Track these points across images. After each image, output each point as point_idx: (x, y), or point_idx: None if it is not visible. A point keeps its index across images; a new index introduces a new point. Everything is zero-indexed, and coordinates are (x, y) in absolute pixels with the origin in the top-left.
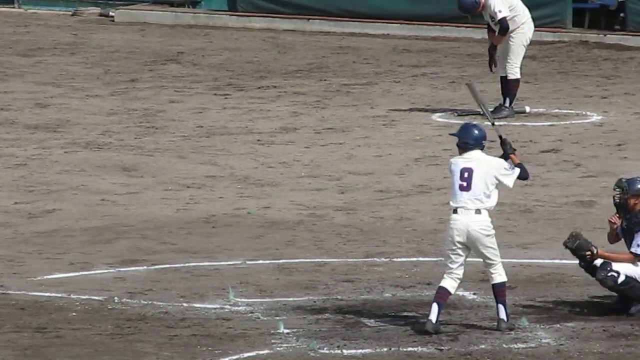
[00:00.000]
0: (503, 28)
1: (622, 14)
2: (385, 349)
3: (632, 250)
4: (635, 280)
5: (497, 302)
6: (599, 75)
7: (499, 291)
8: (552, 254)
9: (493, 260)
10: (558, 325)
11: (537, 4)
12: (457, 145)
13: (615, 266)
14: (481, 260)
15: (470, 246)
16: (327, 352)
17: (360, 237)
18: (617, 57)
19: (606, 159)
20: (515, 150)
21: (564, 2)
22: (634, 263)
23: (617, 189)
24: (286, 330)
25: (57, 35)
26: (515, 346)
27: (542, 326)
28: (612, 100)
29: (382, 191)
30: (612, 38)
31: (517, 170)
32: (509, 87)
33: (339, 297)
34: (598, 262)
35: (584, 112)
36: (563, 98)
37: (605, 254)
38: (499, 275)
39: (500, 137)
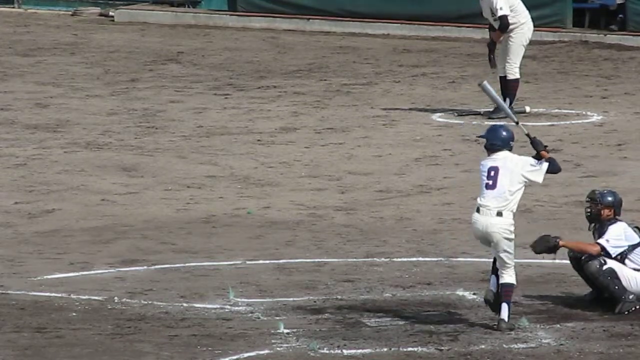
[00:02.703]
0: (503, 25)
1: (620, 15)
2: (385, 349)
3: (599, 241)
4: (616, 275)
5: (501, 302)
6: (599, 75)
7: (505, 291)
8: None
9: (507, 263)
10: (558, 325)
11: (537, 4)
12: (485, 147)
13: (609, 262)
14: (479, 260)
15: (491, 245)
16: (327, 352)
17: (360, 237)
18: (617, 57)
19: (606, 159)
20: (546, 146)
21: (564, 2)
22: (592, 253)
23: (590, 201)
24: (286, 330)
25: (57, 35)
26: (516, 346)
27: (542, 326)
28: (612, 100)
29: (382, 191)
30: (612, 38)
31: (545, 165)
32: (508, 87)
33: (339, 297)
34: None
35: (584, 112)
36: (563, 98)
37: (569, 242)
38: (509, 277)
39: (527, 135)
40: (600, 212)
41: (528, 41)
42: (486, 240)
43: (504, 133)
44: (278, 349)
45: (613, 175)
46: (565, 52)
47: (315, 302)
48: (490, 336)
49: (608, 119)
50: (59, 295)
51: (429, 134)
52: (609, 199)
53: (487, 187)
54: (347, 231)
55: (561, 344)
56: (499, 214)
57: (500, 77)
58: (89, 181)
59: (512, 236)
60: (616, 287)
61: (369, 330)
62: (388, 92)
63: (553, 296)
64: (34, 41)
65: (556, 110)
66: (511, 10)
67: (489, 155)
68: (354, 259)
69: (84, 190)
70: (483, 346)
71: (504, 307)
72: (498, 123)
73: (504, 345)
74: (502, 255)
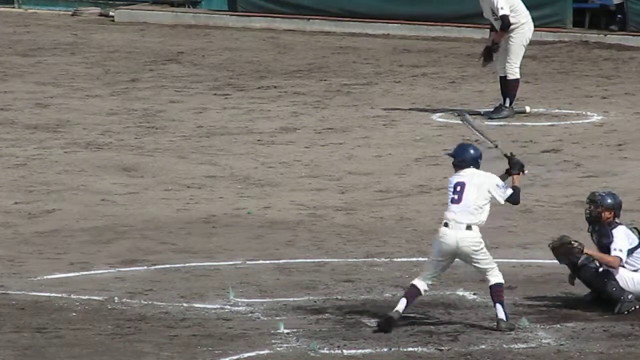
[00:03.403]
0: (504, 24)
1: (619, 15)
2: (385, 349)
3: (616, 254)
4: (613, 277)
5: (495, 303)
6: (599, 75)
7: (495, 292)
8: (552, 254)
9: (486, 267)
10: (558, 326)
11: (537, 4)
12: (453, 164)
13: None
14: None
15: (461, 259)
16: (327, 352)
17: (360, 237)
18: (618, 57)
19: (606, 159)
20: (522, 167)
21: (564, 2)
22: (614, 267)
23: (591, 203)
24: (286, 330)
25: (57, 35)
26: (516, 346)
27: (542, 326)
28: (612, 100)
29: (382, 191)
30: (613, 38)
31: (510, 192)
32: (508, 87)
33: (339, 297)
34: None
35: (584, 112)
36: (563, 98)
37: (591, 251)
38: (495, 277)
39: (506, 155)
40: (601, 214)
41: (528, 41)
42: (453, 254)
43: (472, 151)
44: (278, 349)
45: (613, 175)
46: (565, 52)
47: (315, 302)
48: (490, 336)
49: (608, 119)
50: (59, 295)
51: (429, 134)
52: (610, 201)
53: (453, 201)
54: (347, 231)
55: (561, 344)
56: (469, 227)
57: (500, 77)
58: (89, 181)
59: (482, 246)
60: (614, 289)
61: (369, 330)
62: (388, 92)
63: (553, 296)
64: (34, 41)
65: (556, 110)
66: (511, 10)
67: (456, 172)
68: (354, 259)
69: (84, 190)
70: (483, 346)
71: (499, 307)
72: (466, 142)
73: (504, 345)
74: (479, 264)
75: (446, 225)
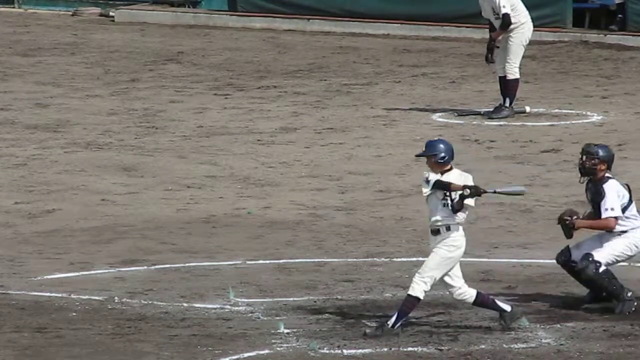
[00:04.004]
0: (505, 23)
1: (620, 15)
2: (385, 349)
3: (609, 214)
4: (613, 276)
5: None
6: (599, 75)
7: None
8: (552, 254)
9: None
10: (558, 325)
11: (537, 4)
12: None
13: (597, 256)
14: (479, 260)
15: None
16: (327, 352)
17: (360, 237)
18: (617, 57)
19: None
20: (466, 197)
21: (564, 2)
22: (610, 228)
23: (586, 155)
24: (286, 330)
25: (57, 35)
26: (516, 346)
27: (542, 326)
28: (612, 100)
29: (382, 191)
30: (612, 38)
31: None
32: (508, 87)
33: (339, 297)
34: (577, 255)
35: (584, 112)
36: (563, 98)
37: (584, 222)
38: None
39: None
40: (596, 166)
41: (528, 41)
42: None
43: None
44: (278, 349)
45: (613, 175)
46: (565, 52)
47: (315, 302)
48: (490, 336)
49: (608, 119)
50: (59, 295)
51: (429, 134)
52: (605, 153)
53: None
54: (347, 231)
55: (561, 344)
56: None
57: (500, 77)
58: (89, 181)
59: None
60: (614, 287)
61: (369, 331)
62: (388, 92)
63: (553, 296)
64: (34, 41)
65: (556, 110)
66: (511, 10)
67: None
68: (354, 259)
69: (84, 190)
70: (483, 346)
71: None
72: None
73: (504, 345)
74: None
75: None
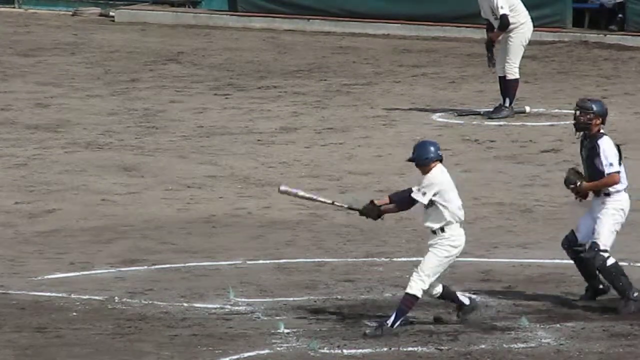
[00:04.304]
0: (503, 24)
1: (620, 15)
2: (385, 349)
3: (610, 170)
4: (622, 272)
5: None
6: (599, 75)
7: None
8: (552, 254)
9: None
10: (558, 325)
11: (537, 4)
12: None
13: (601, 244)
14: (479, 260)
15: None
16: (327, 352)
17: (360, 237)
18: (617, 57)
19: None
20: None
21: (564, 2)
22: (615, 183)
23: (580, 110)
24: (286, 330)
25: (57, 35)
26: (515, 346)
27: (542, 326)
28: (612, 100)
29: (382, 191)
30: (612, 38)
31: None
32: (508, 87)
33: (339, 297)
34: (580, 237)
35: None
36: (563, 98)
37: (589, 185)
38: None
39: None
40: (591, 121)
41: (527, 41)
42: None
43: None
44: (278, 348)
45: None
46: (565, 52)
47: (315, 302)
48: (490, 336)
49: (608, 119)
50: (60, 295)
51: (429, 134)
52: (599, 108)
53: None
54: (347, 231)
55: (561, 344)
56: None
57: (500, 77)
58: (89, 181)
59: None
60: (620, 284)
61: (369, 331)
62: (388, 92)
63: (553, 296)
64: (35, 41)
65: (556, 110)
66: (511, 10)
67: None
68: (354, 259)
69: (85, 190)
70: (483, 346)
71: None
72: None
73: (504, 345)
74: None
75: (460, 225)
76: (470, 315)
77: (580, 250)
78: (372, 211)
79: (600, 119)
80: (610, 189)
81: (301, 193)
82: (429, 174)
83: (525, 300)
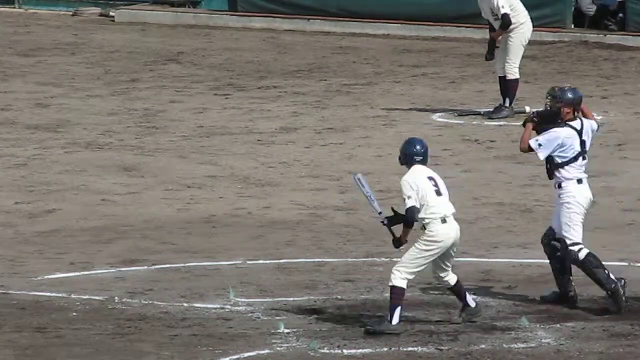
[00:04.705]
0: (505, 23)
1: (620, 15)
2: (385, 349)
3: (531, 141)
4: (600, 264)
5: (464, 297)
6: (599, 75)
7: (462, 288)
8: None
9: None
10: (558, 325)
11: (537, 4)
12: (419, 162)
13: (568, 239)
14: (479, 260)
15: (446, 250)
16: (327, 352)
17: (360, 237)
18: (617, 57)
19: (606, 159)
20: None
21: (564, 2)
22: (524, 145)
23: (552, 98)
24: (286, 330)
25: (57, 35)
26: (516, 346)
27: (542, 326)
28: (612, 100)
29: (382, 191)
30: (612, 38)
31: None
32: (508, 87)
33: (339, 297)
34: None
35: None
36: None
37: (528, 129)
38: (454, 275)
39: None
40: (560, 109)
41: (527, 41)
42: (450, 247)
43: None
44: (278, 348)
45: (613, 175)
46: (565, 52)
47: (315, 302)
48: (490, 336)
49: (608, 119)
50: (60, 295)
51: (429, 134)
52: (569, 96)
53: (438, 194)
54: (347, 231)
55: (561, 344)
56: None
57: (500, 77)
58: (89, 181)
59: None
60: (597, 277)
61: (369, 326)
62: (388, 92)
63: None
64: (35, 41)
65: None
66: (511, 10)
67: (419, 168)
68: (354, 259)
69: (85, 190)
70: (483, 346)
71: (469, 298)
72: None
73: (504, 345)
74: (453, 258)
75: (444, 221)
76: (473, 318)
77: (557, 248)
78: (399, 242)
79: (571, 108)
80: (561, 180)
81: (367, 191)
82: (402, 179)
83: (525, 301)
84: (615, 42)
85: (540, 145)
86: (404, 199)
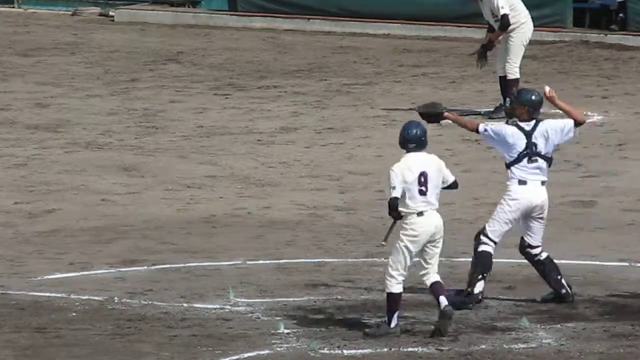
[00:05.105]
0: (504, 24)
1: (621, 15)
2: (385, 349)
3: (480, 124)
4: (484, 262)
5: (439, 296)
6: (600, 75)
7: (440, 288)
8: (552, 254)
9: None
10: (558, 326)
11: (537, 4)
12: (412, 149)
13: (487, 230)
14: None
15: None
16: (327, 352)
17: (360, 237)
18: (618, 57)
19: (606, 159)
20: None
21: (564, 2)
22: (473, 130)
23: (511, 98)
24: (286, 330)
25: (57, 35)
26: (516, 346)
27: (542, 326)
28: (612, 100)
29: (382, 191)
30: (613, 38)
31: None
32: (508, 87)
33: (339, 297)
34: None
35: (584, 112)
36: (563, 98)
37: (453, 116)
38: (437, 275)
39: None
40: (514, 109)
41: (528, 41)
42: (431, 237)
43: (420, 129)
44: (278, 349)
45: (613, 175)
46: (565, 52)
47: (315, 302)
48: (490, 336)
49: (608, 119)
50: (59, 295)
51: (429, 134)
52: (524, 97)
53: (421, 193)
54: (347, 231)
55: (562, 344)
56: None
57: (500, 77)
58: (89, 181)
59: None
60: (474, 274)
61: (369, 330)
62: (388, 92)
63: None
64: (34, 41)
65: (556, 111)
66: (511, 10)
67: (412, 156)
68: (354, 259)
69: (84, 190)
70: (483, 346)
71: (443, 299)
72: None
73: (504, 345)
74: (438, 254)
75: (421, 214)
76: (441, 324)
77: (532, 253)
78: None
79: (525, 108)
80: (507, 179)
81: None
82: (391, 167)
83: (525, 301)
84: (616, 42)
85: (486, 130)
86: (390, 188)
